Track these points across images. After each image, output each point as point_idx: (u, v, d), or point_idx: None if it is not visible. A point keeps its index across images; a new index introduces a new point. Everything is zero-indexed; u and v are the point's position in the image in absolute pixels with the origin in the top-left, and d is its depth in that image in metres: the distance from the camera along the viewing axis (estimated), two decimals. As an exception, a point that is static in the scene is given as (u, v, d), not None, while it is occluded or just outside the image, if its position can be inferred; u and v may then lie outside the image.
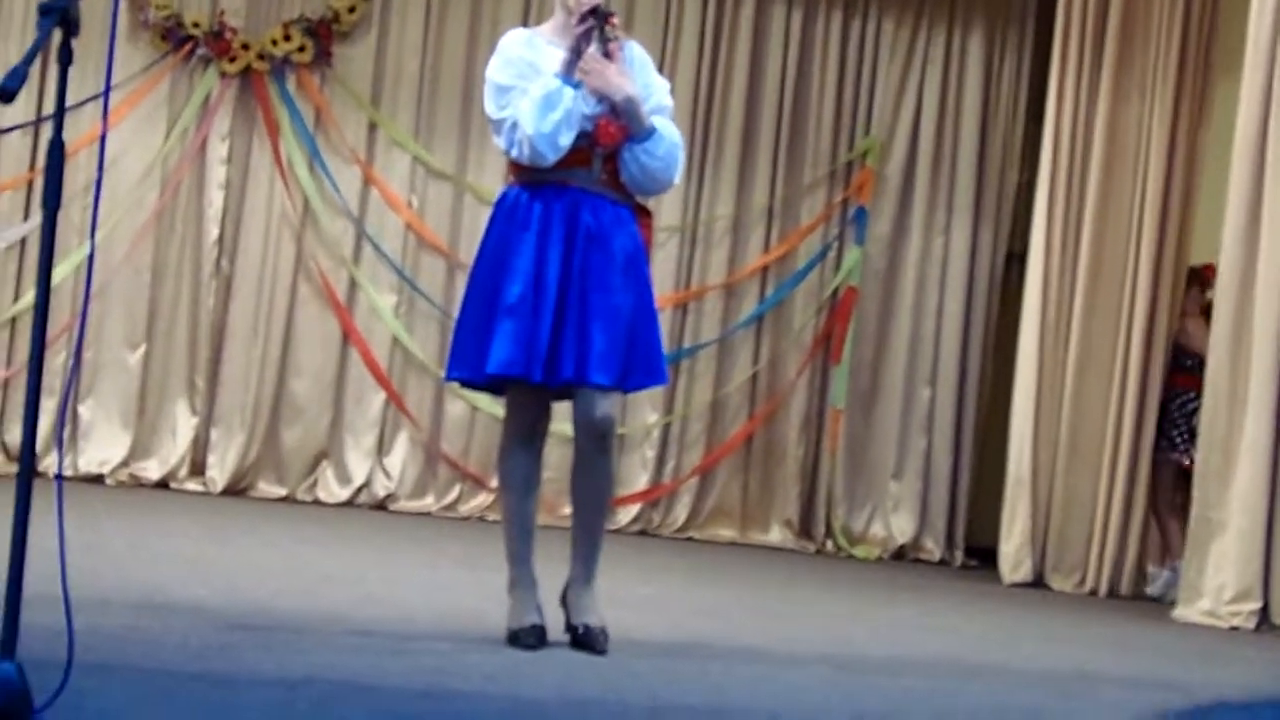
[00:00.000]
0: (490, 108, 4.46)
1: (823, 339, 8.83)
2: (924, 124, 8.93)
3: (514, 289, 4.41)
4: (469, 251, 8.37)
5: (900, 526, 8.77)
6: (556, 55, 4.49)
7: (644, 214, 4.63)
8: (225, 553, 6.10)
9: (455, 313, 8.23)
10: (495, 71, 4.50)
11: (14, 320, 8.01)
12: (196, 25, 8.16)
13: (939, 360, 8.91)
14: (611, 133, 4.48)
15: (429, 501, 8.37)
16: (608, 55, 4.52)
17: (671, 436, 8.64)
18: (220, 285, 8.25)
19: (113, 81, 7.97)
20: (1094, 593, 7.93)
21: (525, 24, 8.38)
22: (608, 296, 4.43)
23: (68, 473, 7.85)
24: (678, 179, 4.63)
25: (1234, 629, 6.85)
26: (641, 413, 8.52)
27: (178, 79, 8.19)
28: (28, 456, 2.83)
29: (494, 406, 8.31)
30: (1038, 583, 8.03)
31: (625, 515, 8.45)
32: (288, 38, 8.22)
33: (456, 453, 8.40)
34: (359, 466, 8.32)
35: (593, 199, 4.48)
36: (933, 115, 8.92)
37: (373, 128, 8.40)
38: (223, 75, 8.19)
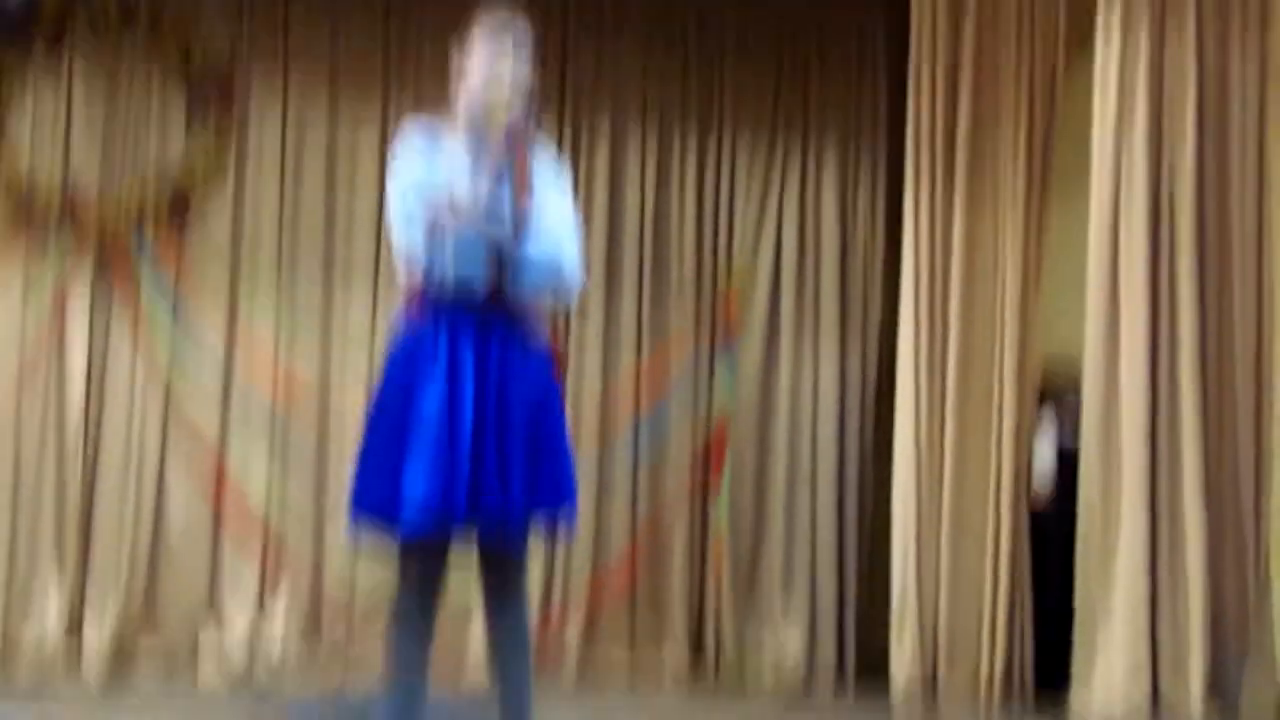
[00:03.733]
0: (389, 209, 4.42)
1: (700, 470, 8.80)
2: (785, 251, 8.99)
3: (427, 426, 4.23)
4: (340, 396, 8.32)
5: (791, 648, 8.69)
6: (457, 149, 4.40)
7: (551, 350, 4.55)
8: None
9: (330, 457, 8.21)
10: (392, 166, 4.46)
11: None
12: (50, 195, 8.08)
13: (817, 487, 8.90)
14: None
15: (318, 646, 8.19)
16: (513, 174, 4.42)
17: (556, 570, 8.53)
18: (88, 453, 8.08)
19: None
20: (990, 689, 7.91)
21: (381, 176, 8.41)
22: (521, 431, 4.29)
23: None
24: (576, 283, 4.51)
25: (1127, 715, 6.89)
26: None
27: (33, 249, 8.08)
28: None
29: (377, 560, 8.18)
30: (931, 683, 8.00)
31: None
32: (143, 201, 8.16)
33: (342, 601, 8.24)
34: (240, 625, 8.13)
35: (502, 330, 4.38)
36: (793, 239, 8.99)
37: (234, 285, 8.33)
38: (79, 243, 8.10)
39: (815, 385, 8.94)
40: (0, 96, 8.06)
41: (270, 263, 8.37)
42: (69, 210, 8.09)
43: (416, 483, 4.19)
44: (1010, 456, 8.06)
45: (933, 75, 8.20)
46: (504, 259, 4.38)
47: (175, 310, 8.18)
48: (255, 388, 8.27)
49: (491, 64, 4.47)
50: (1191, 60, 7.30)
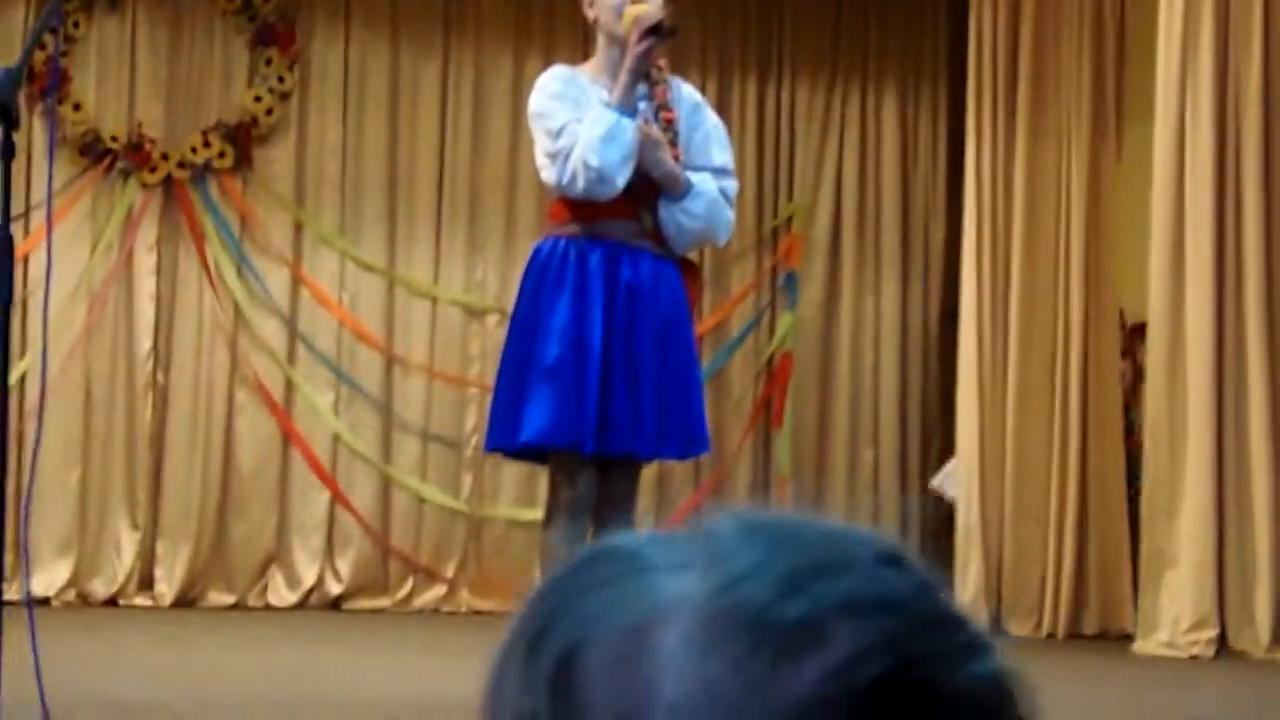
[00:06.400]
0: (543, 141, 4.32)
1: (763, 405, 8.84)
2: (846, 185, 8.99)
3: (551, 349, 4.23)
4: (404, 344, 8.39)
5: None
6: (598, 93, 4.34)
7: (689, 268, 4.46)
8: (184, 660, 6.04)
9: (395, 406, 8.29)
10: (543, 104, 4.37)
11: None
12: (114, 138, 8.12)
13: (879, 420, 8.94)
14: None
15: (383, 599, 8.29)
16: (653, 97, 4.38)
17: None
18: (156, 397, 8.17)
19: (33, 200, 7.89)
20: (1052, 635, 7.94)
21: (444, 119, 8.44)
22: (652, 358, 4.26)
23: (12, 597, 7.71)
24: (724, 236, 4.51)
25: (1194, 658, 6.90)
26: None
27: (99, 193, 8.15)
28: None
29: (443, 497, 8.29)
30: (995, 629, 8.03)
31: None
32: (207, 144, 8.21)
33: (407, 547, 8.35)
34: (308, 568, 8.24)
35: (633, 252, 4.33)
36: (854, 176, 8.99)
37: (299, 228, 8.38)
38: (144, 186, 8.15)
39: (877, 319, 8.96)
40: (66, 43, 8.09)
41: (334, 209, 8.40)
42: (134, 156, 8.13)
43: (540, 407, 4.22)
44: (1077, 388, 8.05)
45: (994, 7, 8.14)
46: (643, 184, 4.35)
47: (240, 256, 8.24)
48: (319, 334, 8.33)
49: None
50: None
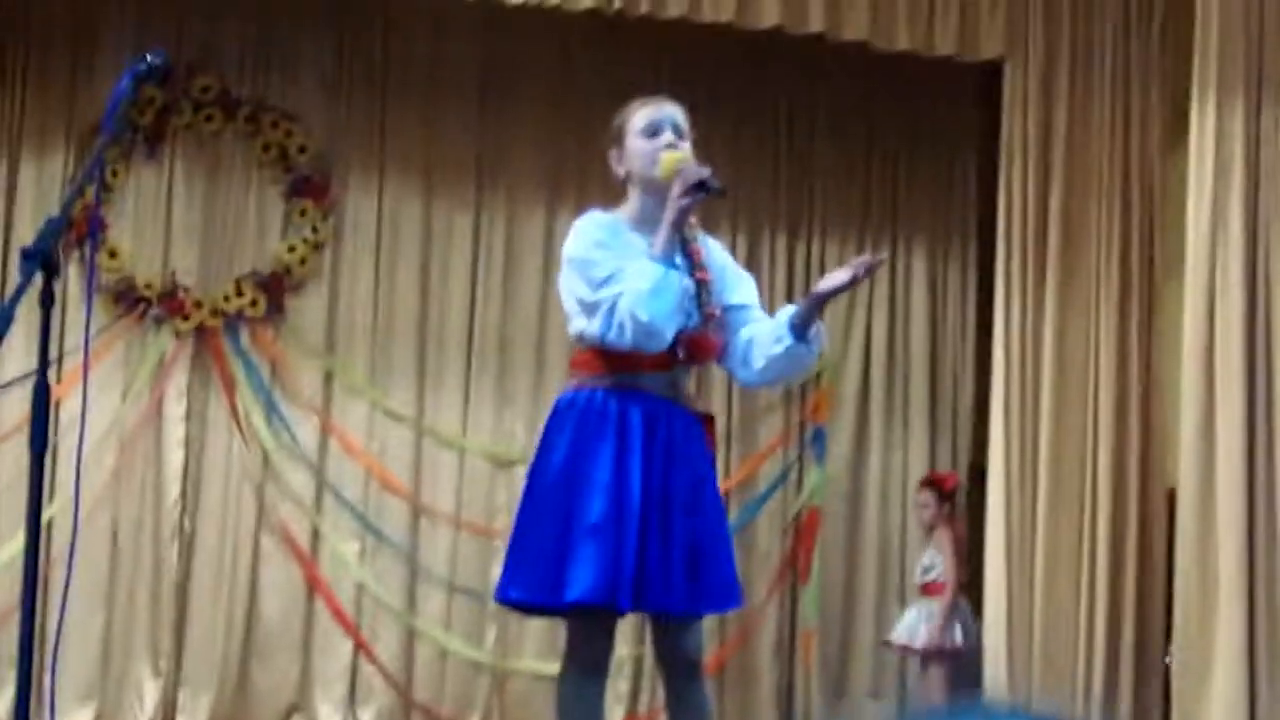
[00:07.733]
0: (581, 290, 4.23)
1: (790, 560, 8.80)
2: (875, 342, 9.01)
3: (595, 505, 4.15)
4: (431, 493, 8.37)
5: (881, 743, 8.68)
6: (638, 242, 4.30)
7: (708, 421, 4.44)
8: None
9: (420, 556, 8.24)
10: (583, 252, 4.28)
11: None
12: (149, 286, 8.18)
13: (907, 577, 8.88)
14: (709, 348, 4.35)
15: (405, 750, 8.23)
16: (688, 254, 4.35)
17: (645, 668, 8.53)
18: (182, 543, 8.16)
19: (65, 347, 7.92)
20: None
21: (475, 270, 8.49)
22: (685, 515, 4.22)
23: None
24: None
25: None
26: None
27: (132, 340, 8.19)
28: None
29: (467, 648, 8.24)
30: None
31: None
32: (240, 293, 8.26)
33: (430, 698, 8.28)
34: (331, 718, 8.18)
35: (669, 407, 4.28)
36: (883, 333, 9.01)
37: (329, 376, 8.41)
38: (176, 334, 8.20)
39: (905, 476, 8.93)
40: (104, 191, 8.17)
41: (364, 358, 8.44)
42: (168, 304, 8.18)
43: (585, 565, 4.15)
44: (1105, 550, 7.99)
45: (1024, 167, 8.15)
46: (683, 334, 4.34)
47: (270, 404, 8.26)
48: (347, 483, 8.32)
49: (653, 112, 4.43)
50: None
